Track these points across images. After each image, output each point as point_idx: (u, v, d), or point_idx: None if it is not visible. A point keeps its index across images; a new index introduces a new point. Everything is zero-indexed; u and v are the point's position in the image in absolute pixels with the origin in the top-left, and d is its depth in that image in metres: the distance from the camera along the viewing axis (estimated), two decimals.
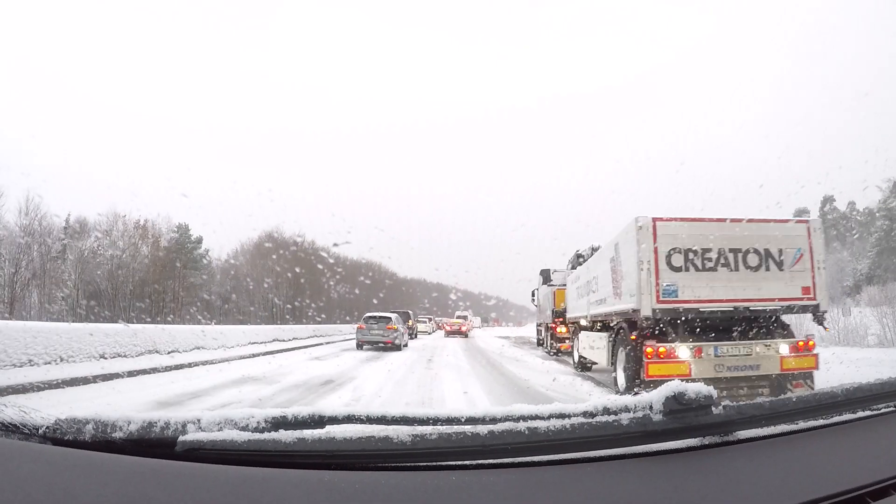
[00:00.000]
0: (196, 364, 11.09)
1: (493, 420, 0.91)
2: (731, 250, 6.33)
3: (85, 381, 7.83)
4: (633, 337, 6.56)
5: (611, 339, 7.81)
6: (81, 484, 0.73)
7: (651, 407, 0.90)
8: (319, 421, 0.90)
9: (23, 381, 6.91)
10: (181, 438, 0.83)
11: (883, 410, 1.12)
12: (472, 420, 0.91)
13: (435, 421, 0.91)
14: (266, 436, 0.85)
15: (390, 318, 18.22)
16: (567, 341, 13.74)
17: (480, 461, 0.85)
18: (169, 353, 11.07)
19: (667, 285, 6.20)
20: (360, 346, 17.80)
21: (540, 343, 19.19)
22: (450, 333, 34.07)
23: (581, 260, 13.13)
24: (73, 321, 21.66)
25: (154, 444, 0.85)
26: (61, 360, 8.06)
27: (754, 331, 6.49)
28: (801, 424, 1.03)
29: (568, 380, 9.39)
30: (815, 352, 6.31)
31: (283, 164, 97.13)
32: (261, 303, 41.53)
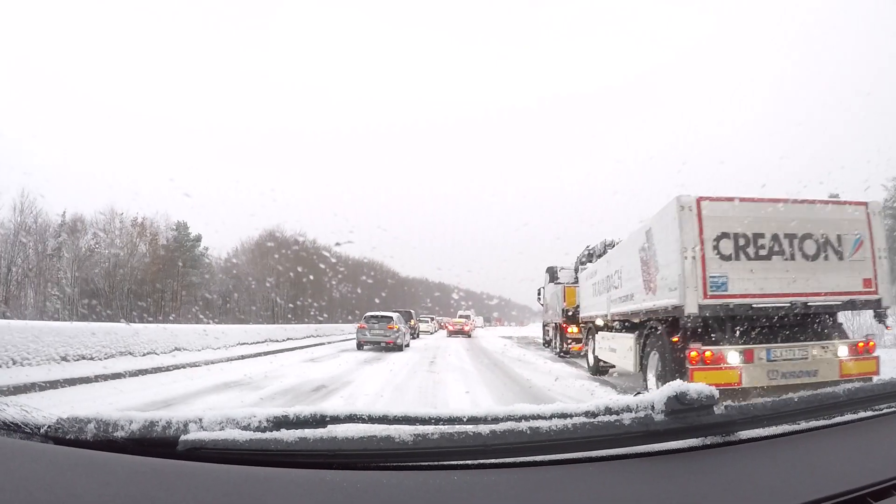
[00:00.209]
0: (176, 367, 10.16)
1: (495, 420, 0.91)
2: (786, 236, 5.51)
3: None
4: (675, 339, 5.74)
5: (639, 340, 7.00)
6: (83, 483, 0.73)
7: (653, 407, 0.90)
8: (321, 420, 0.90)
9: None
10: (183, 438, 0.84)
11: (885, 411, 1.12)
12: (473, 420, 0.91)
13: (437, 420, 0.92)
14: (268, 435, 0.85)
15: (392, 317, 18.01)
16: (578, 342, 13.22)
17: (482, 461, 0.85)
18: (144, 354, 10.19)
19: (715, 277, 5.39)
20: (360, 347, 17.58)
21: (546, 344, 18.74)
22: (452, 333, 34.08)
23: (591, 255, 12.59)
24: (56, 319, 21.52)
25: (156, 444, 0.85)
26: (14, 362, 7.35)
27: (807, 331, 5.77)
28: (803, 425, 1.03)
29: (591, 387, 8.46)
30: (875, 354, 5.62)
31: (284, 164, 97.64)
32: (262, 302, 41.54)
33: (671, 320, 5.92)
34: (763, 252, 5.49)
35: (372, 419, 0.91)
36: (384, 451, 0.84)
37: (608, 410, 0.92)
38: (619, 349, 8.15)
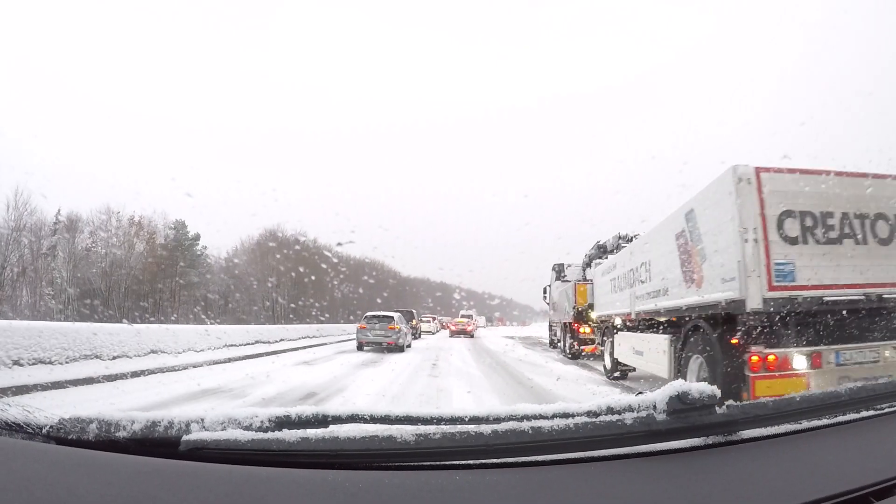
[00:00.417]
0: (150, 372, 9.16)
1: (497, 419, 0.91)
2: (857, 216, 4.67)
3: None
4: (734, 341, 4.74)
5: (675, 342, 6.06)
6: (85, 483, 0.73)
7: (655, 406, 0.90)
8: (323, 420, 0.90)
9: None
10: (185, 438, 0.84)
11: (887, 410, 1.12)
12: (475, 419, 0.91)
13: (438, 420, 0.92)
14: (269, 435, 0.85)
15: (392, 317, 17.61)
16: (591, 343, 12.51)
17: (484, 461, 0.85)
18: (113, 358, 9.23)
19: (781, 264, 4.49)
20: (360, 347, 17.15)
21: (552, 344, 18.05)
22: (455, 333, 33.59)
23: (602, 250, 11.95)
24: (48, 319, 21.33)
25: (158, 444, 0.85)
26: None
27: (874, 329, 4.87)
28: (805, 424, 1.03)
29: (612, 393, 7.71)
30: None
31: (285, 164, 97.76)
32: (262, 302, 41.53)
33: (723, 318, 5.02)
34: (833, 234, 4.63)
35: (374, 419, 0.91)
36: (386, 451, 0.84)
37: (610, 410, 0.92)
38: (646, 352, 7.23)
